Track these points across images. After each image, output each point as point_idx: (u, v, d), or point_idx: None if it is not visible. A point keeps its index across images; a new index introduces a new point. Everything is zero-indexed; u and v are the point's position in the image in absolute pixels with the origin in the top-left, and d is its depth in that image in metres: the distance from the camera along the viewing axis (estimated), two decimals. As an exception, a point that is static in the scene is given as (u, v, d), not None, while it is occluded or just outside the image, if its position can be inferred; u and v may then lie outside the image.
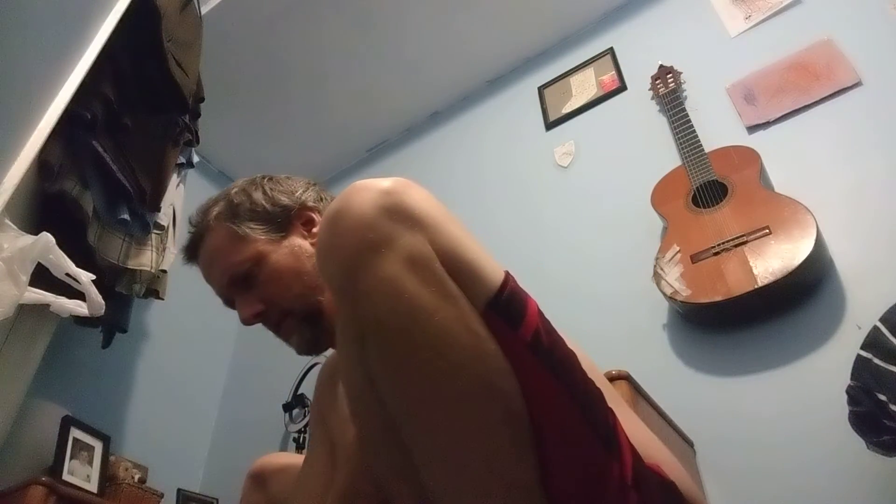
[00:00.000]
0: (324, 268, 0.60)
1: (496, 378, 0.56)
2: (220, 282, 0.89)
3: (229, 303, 0.90)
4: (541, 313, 0.63)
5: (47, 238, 1.28)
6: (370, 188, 0.59)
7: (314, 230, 0.90)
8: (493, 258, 0.63)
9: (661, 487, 0.66)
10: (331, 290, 0.60)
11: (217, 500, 2.25)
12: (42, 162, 1.54)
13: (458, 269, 0.58)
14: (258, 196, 0.90)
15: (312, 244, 0.87)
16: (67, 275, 1.34)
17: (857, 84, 1.75)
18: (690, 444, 1.46)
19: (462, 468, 0.57)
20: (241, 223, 0.87)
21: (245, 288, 0.87)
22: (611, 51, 2.43)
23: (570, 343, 0.67)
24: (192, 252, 0.93)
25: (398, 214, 0.57)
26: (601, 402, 0.63)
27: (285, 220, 0.89)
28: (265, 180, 0.94)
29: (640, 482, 0.60)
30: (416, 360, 0.56)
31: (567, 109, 2.40)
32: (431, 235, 0.58)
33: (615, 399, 0.76)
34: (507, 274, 0.63)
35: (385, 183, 0.60)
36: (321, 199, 0.95)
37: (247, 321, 0.87)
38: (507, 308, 0.59)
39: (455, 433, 0.56)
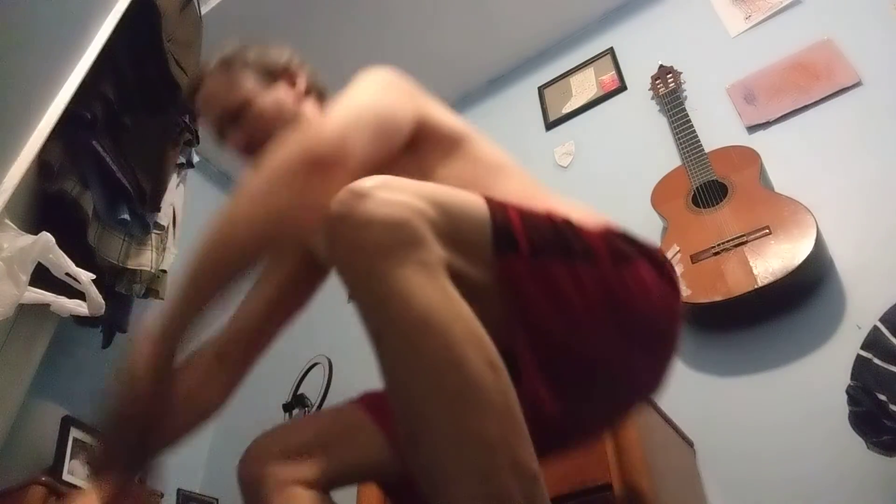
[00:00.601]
0: (343, 272, 0.63)
1: (496, 373, 0.59)
2: (213, 119, 1.04)
3: (220, 136, 1.04)
4: (522, 214, 0.70)
5: (47, 238, 1.28)
6: (369, 194, 0.61)
7: (296, 85, 1.05)
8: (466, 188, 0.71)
9: (622, 235, 0.78)
10: (351, 294, 0.63)
11: (217, 500, 2.25)
12: (42, 162, 1.54)
13: (457, 230, 0.64)
14: (251, 52, 1.06)
15: (295, 96, 1.04)
16: (67, 275, 1.34)
17: (857, 84, 1.75)
18: (690, 444, 1.46)
19: (466, 460, 0.57)
20: (236, 72, 1.03)
21: (234, 126, 1.01)
22: (611, 51, 2.43)
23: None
24: (192, 93, 1.07)
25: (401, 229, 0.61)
26: (574, 230, 0.73)
27: (273, 74, 1.04)
28: (257, 43, 1.10)
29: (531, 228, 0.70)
30: (427, 363, 0.58)
31: (567, 109, 2.40)
32: (433, 225, 0.63)
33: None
34: (486, 202, 0.69)
35: (369, 183, 0.63)
36: (303, 65, 1.10)
37: (236, 150, 1.02)
38: (505, 237, 0.67)
39: (462, 428, 0.57)
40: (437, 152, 0.88)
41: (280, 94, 1.02)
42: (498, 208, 0.69)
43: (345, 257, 0.61)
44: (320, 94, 1.09)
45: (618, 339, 0.73)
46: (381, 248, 0.58)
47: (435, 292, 0.59)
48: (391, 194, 0.61)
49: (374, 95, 0.83)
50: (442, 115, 0.91)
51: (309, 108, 1.04)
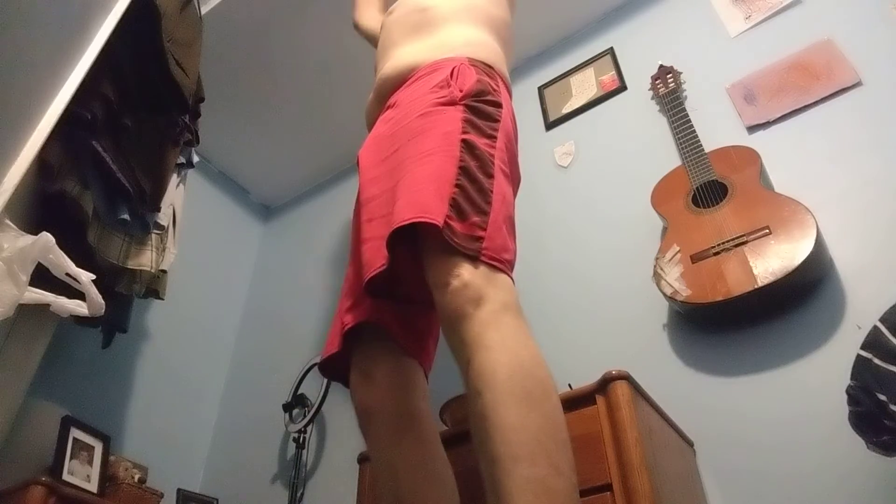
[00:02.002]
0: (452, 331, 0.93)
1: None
2: None
3: None
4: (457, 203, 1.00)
5: (47, 238, 1.28)
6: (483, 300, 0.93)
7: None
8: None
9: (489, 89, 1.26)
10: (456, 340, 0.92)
11: (217, 500, 2.25)
12: (42, 162, 1.54)
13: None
14: None
15: None
16: (67, 275, 1.33)
17: (857, 84, 1.75)
18: (690, 444, 1.46)
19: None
20: None
21: None
22: (611, 51, 2.43)
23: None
24: None
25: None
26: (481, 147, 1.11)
27: None
28: None
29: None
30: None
31: (567, 109, 2.40)
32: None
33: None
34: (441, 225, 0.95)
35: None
36: None
37: None
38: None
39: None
40: None
41: None
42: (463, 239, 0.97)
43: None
44: None
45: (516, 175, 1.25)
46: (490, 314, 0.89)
47: (529, 344, 0.89)
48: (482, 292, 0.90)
49: None
50: None
51: None
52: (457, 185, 0.99)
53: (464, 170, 1.02)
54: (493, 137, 1.12)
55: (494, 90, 1.24)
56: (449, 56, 1.29)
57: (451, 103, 1.14)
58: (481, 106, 1.16)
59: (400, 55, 1.39)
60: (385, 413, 1.07)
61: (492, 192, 1.02)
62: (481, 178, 1.02)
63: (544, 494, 0.73)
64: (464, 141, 1.07)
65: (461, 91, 1.16)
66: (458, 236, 0.93)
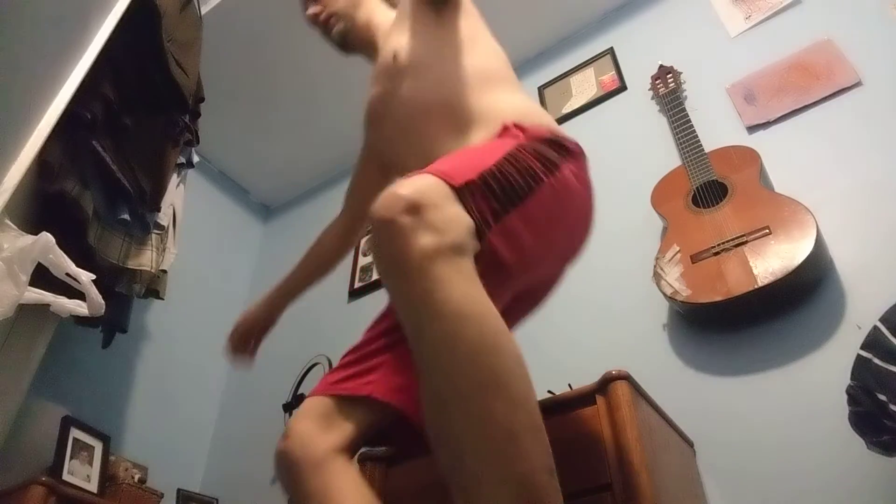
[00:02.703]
0: (384, 277, 0.72)
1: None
2: None
3: (304, 6, 1.33)
4: (476, 187, 0.77)
5: (47, 238, 1.28)
6: (413, 203, 0.70)
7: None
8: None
9: (550, 141, 0.93)
10: (388, 293, 0.73)
11: (217, 500, 2.25)
12: (42, 162, 1.55)
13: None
14: None
15: None
16: (67, 275, 1.34)
17: (857, 84, 1.75)
18: (690, 444, 1.46)
19: (494, 444, 0.63)
20: None
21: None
22: (611, 51, 2.43)
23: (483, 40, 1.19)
24: None
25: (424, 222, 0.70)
26: (523, 160, 0.85)
27: None
28: None
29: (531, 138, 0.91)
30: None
31: (567, 109, 2.40)
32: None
33: (497, 82, 1.14)
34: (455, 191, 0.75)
35: (405, 194, 0.71)
36: None
37: (309, 18, 1.31)
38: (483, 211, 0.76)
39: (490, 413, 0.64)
40: (454, 22, 1.13)
41: None
42: (466, 198, 0.76)
43: (388, 259, 0.69)
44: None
45: (558, 242, 0.94)
46: (424, 252, 0.66)
47: (470, 288, 0.67)
48: (432, 200, 0.70)
49: None
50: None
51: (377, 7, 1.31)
52: (494, 169, 0.81)
53: (504, 164, 0.83)
54: (551, 166, 0.89)
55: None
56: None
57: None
58: (543, 147, 0.91)
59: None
60: None
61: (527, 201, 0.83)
62: (520, 182, 0.83)
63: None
64: (514, 150, 0.87)
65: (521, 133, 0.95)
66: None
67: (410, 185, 0.72)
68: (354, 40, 1.30)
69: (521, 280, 0.87)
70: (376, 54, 1.27)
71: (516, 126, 0.95)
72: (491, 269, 0.75)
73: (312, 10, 1.29)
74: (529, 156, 0.87)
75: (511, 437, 0.62)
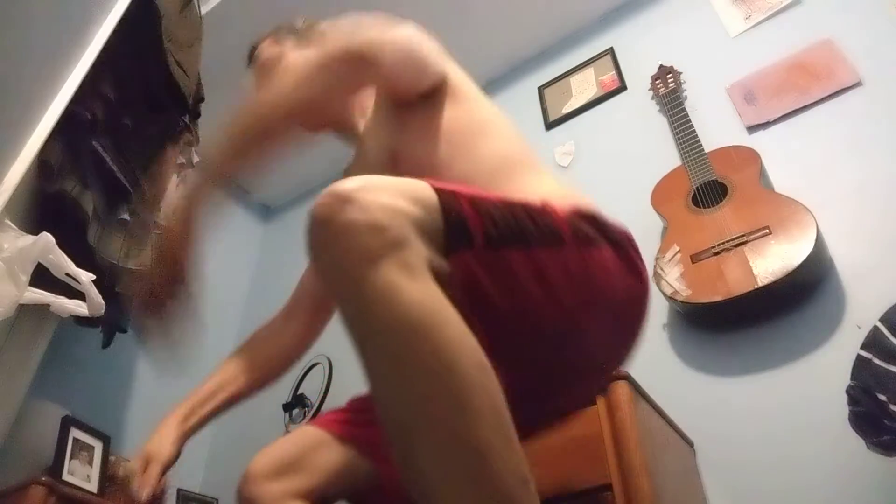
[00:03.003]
0: (324, 279, 0.63)
1: (486, 374, 0.58)
2: (254, 71, 1.29)
3: (258, 89, 1.23)
4: (473, 201, 0.67)
5: (47, 238, 1.28)
6: (350, 197, 0.59)
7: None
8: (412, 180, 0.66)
9: (590, 219, 0.80)
10: (332, 297, 0.66)
11: (217, 500, 2.25)
12: (42, 162, 1.54)
13: (419, 227, 0.61)
14: (300, 21, 1.28)
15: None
16: (67, 275, 1.34)
17: (857, 84, 1.75)
18: (690, 444, 1.46)
19: (457, 465, 0.56)
20: (281, 35, 1.26)
21: (267, 79, 1.21)
22: (611, 51, 2.43)
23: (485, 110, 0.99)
24: (250, 58, 1.33)
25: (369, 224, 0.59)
26: (541, 214, 0.72)
27: (309, 36, 1.23)
28: (304, 18, 1.30)
29: (574, 220, 0.75)
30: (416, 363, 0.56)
31: (567, 109, 2.40)
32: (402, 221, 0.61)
33: (522, 167, 0.92)
34: (437, 192, 0.64)
35: (345, 188, 0.60)
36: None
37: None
38: (460, 231, 0.64)
39: (449, 426, 0.56)
40: (453, 110, 0.95)
41: (310, 52, 1.02)
42: (450, 200, 0.65)
43: (327, 262, 0.59)
44: None
45: (578, 322, 0.75)
46: (364, 252, 0.56)
47: (419, 293, 0.56)
48: (373, 196, 0.59)
49: (417, 34, 0.94)
50: (462, 77, 1.03)
51: None
52: (502, 204, 0.71)
53: (517, 207, 0.72)
54: (584, 239, 0.76)
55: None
56: None
57: None
58: (576, 219, 0.78)
59: None
60: None
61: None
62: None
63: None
64: (536, 204, 0.75)
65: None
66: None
67: (361, 178, 0.61)
68: (321, 119, 1.14)
69: (522, 344, 0.73)
70: (353, 138, 1.18)
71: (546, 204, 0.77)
72: (466, 300, 0.62)
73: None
74: (556, 217, 0.74)
75: (481, 457, 0.55)
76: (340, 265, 0.58)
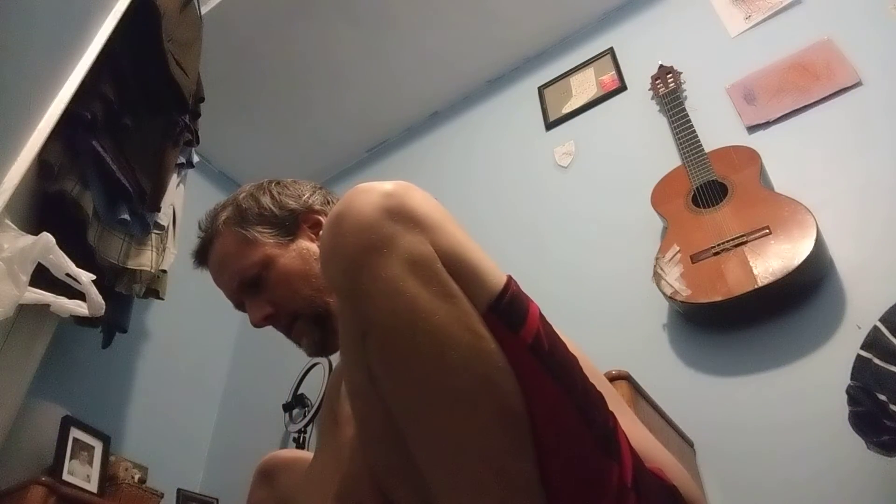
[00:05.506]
0: (326, 269, 0.60)
1: (496, 376, 0.56)
2: (230, 286, 0.90)
3: (240, 306, 0.92)
4: (542, 317, 0.63)
5: (47, 238, 1.28)
6: (372, 190, 0.59)
7: (321, 233, 0.86)
8: (494, 261, 0.63)
9: (662, 490, 0.66)
10: (333, 291, 0.60)
11: (217, 500, 2.25)
12: (42, 162, 1.55)
13: (460, 272, 0.58)
14: (266, 200, 0.91)
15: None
16: (67, 275, 1.34)
17: (857, 84, 1.75)
18: (690, 444, 1.46)
19: (461, 465, 0.57)
20: (250, 227, 0.88)
21: (255, 291, 0.88)
22: (611, 51, 2.43)
23: (573, 347, 0.66)
24: (201, 257, 0.95)
25: (399, 216, 0.57)
26: (601, 404, 0.63)
27: (293, 223, 0.90)
28: (272, 185, 0.95)
29: (640, 485, 0.60)
30: (417, 360, 0.56)
31: (567, 109, 2.40)
32: (433, 237, 0.58)
33: (617, 403, 0.77)
34: (510, 278, 0.63)
35: (387, 185, 0.60)
36: (327, 202, 0.96)
37: (257, 324, 0.89)
38: (508, 311, 0.59)
39: (455, 431, 0.56)
40: None
41: (303, 246, 0.88)
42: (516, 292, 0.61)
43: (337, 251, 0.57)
44: None
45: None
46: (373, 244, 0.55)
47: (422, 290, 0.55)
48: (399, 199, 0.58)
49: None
50: None
51: None
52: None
53: None
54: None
55: None
56: None
57: None
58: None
59: None
60: None
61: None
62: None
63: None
64: None
65: None
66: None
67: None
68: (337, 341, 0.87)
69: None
70: None
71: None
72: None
73: (261, 313, 0.88)
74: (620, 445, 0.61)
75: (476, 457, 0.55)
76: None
